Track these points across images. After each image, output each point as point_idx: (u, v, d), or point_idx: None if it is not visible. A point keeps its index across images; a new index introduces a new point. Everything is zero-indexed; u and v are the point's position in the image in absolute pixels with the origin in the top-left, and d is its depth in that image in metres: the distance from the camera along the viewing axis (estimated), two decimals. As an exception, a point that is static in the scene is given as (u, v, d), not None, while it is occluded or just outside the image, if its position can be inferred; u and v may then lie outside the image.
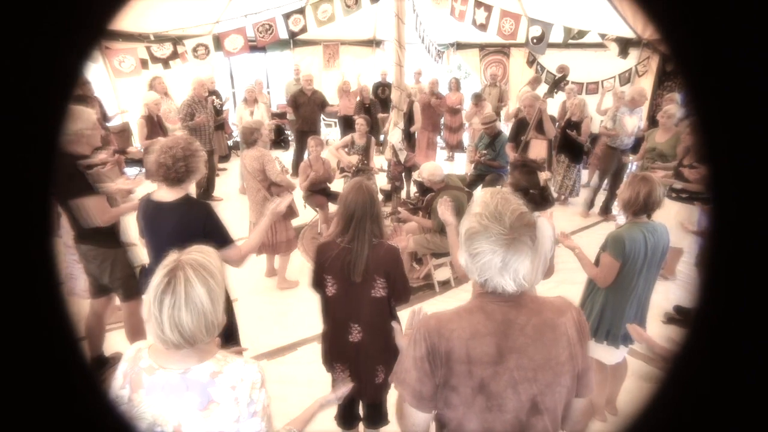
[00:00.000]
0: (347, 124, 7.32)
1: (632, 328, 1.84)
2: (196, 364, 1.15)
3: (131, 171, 6.74)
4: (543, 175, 2.25)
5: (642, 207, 2.21)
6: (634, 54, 7.09)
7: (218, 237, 2.17)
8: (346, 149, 5.20)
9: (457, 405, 1.20)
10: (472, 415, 1.19)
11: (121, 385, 1.16)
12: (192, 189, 2.29)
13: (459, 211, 3.86)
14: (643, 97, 5.39)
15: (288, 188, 3.93)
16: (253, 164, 3.73)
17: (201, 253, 1.17)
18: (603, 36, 6.78)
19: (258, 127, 3.78)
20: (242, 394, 1.15)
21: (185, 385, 1.13)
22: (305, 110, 6.78)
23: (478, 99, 7.26)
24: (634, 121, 5.38)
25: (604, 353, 2.42)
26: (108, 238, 2.62)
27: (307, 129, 6.81)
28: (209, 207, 2.21)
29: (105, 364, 2.98)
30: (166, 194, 2.15)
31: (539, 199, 2.40)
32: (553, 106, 6.49)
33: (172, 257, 1.13)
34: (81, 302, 3.12)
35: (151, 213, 2.19)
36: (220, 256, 2.22)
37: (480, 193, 1.24)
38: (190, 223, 2.10)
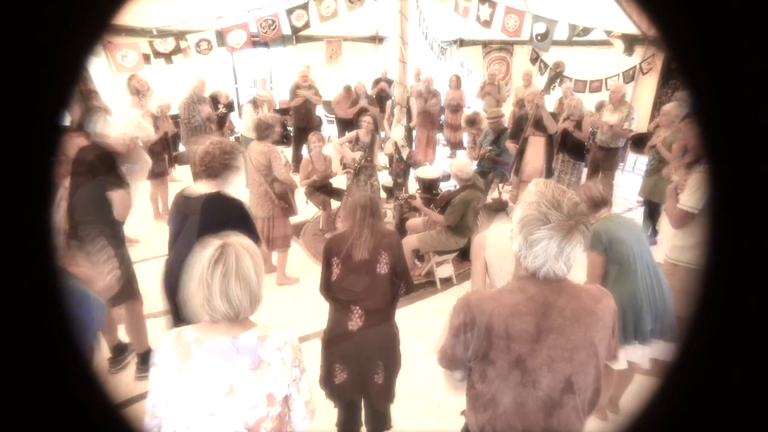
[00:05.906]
0: (345, 126, 7.29)
1: None
2: (243, 332, 1.26)
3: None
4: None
5: (601, 200, 2.37)
6: (638, 52, 7.04)
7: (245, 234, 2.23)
8: (350, 145, 5.19)
9: (493, 379, 1.26)
10: (506, 389, 1.25)
11: (169, 353, 1.24)
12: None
13: (476, 211, 3.84)
14: (616, 93, 5.39)
15: (290, 187, 3.93)
16: (259, 158, 3.72)
17: (240, 238, 1.28)
18: (609, 33, 6.73)
19: (275, 124, 3.77)
20: (287, 355, 1.27)
21: (236, 349, 1.23)
22: (302, 106, 6.75)
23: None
24: (614, 119, 5.34)
25: (634, 352, 2.29)
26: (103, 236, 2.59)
27: (304, 125, 6.79)
28: (240, 204, 2.20)
29: (125, 350, 3.04)
30: (200, 187, 2.18)
31: None
32: (550, 103, 6.43)
33: (216, 241, 1.23)
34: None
35: (176, 206, 2.23)
36: None
37: (531, 185, 1.27)
38: (215, 217, 2.08)
